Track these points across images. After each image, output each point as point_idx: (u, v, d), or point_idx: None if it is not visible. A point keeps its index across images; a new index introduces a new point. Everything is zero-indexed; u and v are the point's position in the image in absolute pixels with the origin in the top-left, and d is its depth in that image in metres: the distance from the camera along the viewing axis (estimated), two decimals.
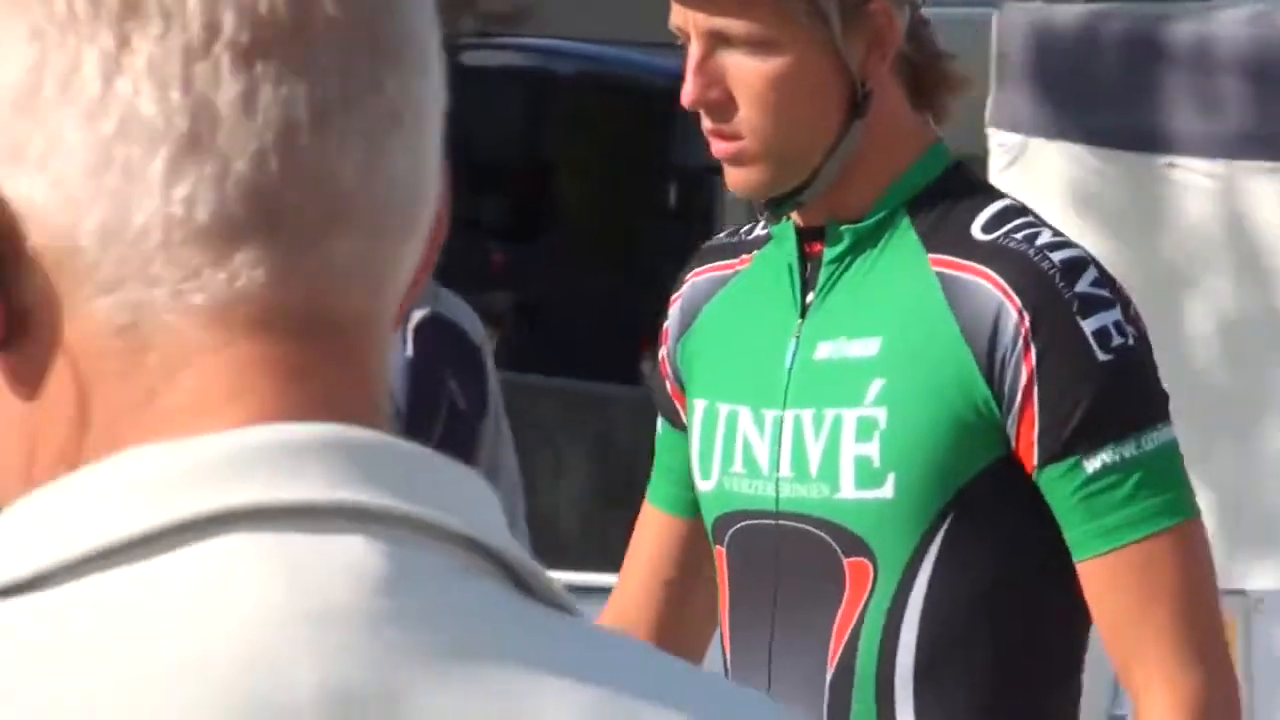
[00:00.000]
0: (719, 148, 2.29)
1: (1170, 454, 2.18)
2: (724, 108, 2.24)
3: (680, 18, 2.30)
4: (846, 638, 2.22)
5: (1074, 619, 2.25)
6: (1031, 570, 2.20)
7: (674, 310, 2.50)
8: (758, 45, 2.22)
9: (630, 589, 2.54)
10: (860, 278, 2.26)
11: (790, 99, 2.23)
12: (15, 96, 0.59)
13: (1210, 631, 2.19)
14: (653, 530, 2.48)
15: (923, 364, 2.21)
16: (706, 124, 2.29)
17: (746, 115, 2.23)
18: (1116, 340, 2.14)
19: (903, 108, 2.31)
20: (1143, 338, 2.21)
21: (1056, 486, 2.14)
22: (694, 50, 2.27)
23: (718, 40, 2.24)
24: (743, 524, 2.31)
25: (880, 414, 2.18)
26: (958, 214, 2.25)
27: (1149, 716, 2.17)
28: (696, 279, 2.45)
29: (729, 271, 2.41)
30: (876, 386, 2.20)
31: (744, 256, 2.38)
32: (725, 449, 2.31)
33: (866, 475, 2.19)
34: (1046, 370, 2.13)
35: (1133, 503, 2.14)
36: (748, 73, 2.23)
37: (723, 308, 2.39)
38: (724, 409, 2.33)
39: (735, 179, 2.29)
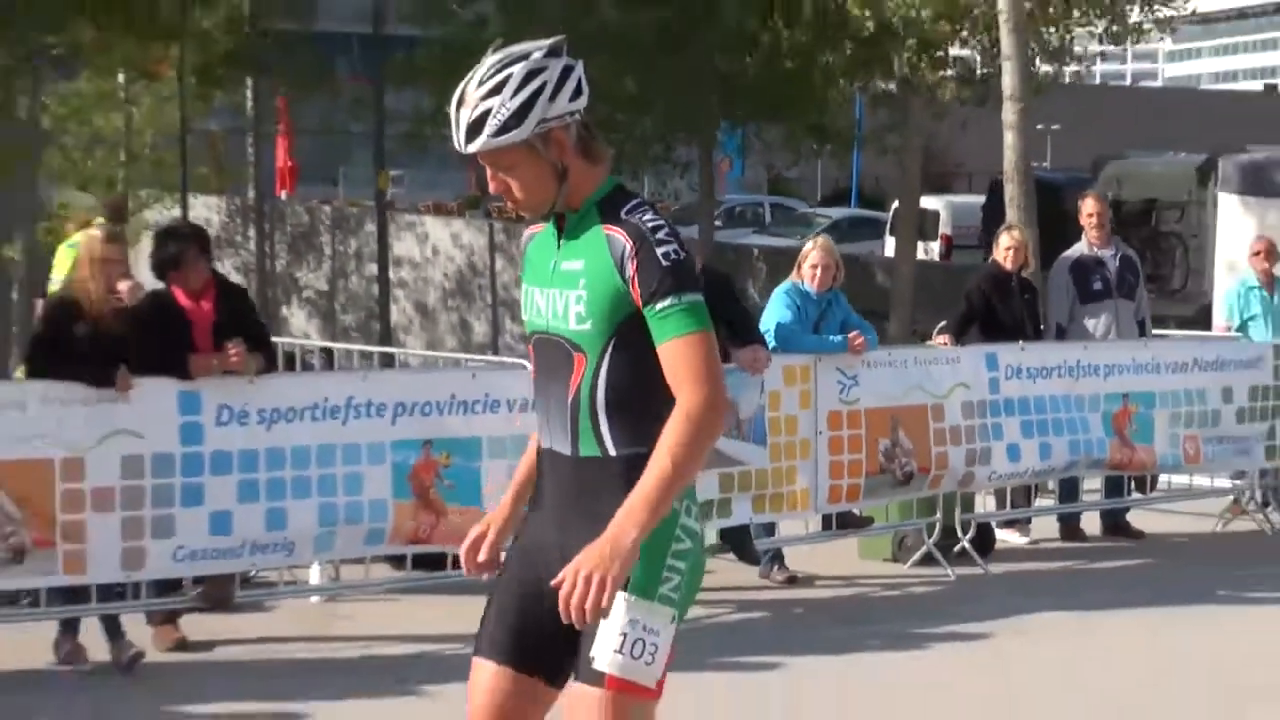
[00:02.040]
0: (511, 207, 4.10)
1: (698, 304, 3.83)
2: (509, 192, 3.95)
3: (481, 159, 4.00)
4: (576, 387, 3.95)
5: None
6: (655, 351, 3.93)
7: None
8: (510, 168, 3.90)
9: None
10: (577, 235, 3.95)
11: (529, 185, 3.91)
12: None
13: (712, 374, 3.79)
14: None
15: (597, 272, 3.89)
16: (506, 199, 4.01)
17: (517, 194, 3.93)
18: (673, 256, 3.82)
19: (584, 166, 3.93)
20: (689, 256, 3.89)
21: (648, 318, 3.83)
22: (489, 171, 4.00)
23: (496, 167, 3.92)
24: (537, 337, 4.10)
25: (584, 294, 3.91)
26: (616, 206, 3.93)
27: (675, 413, 3.77)
28: (527, 231, 4.23)
29: (538, 230, 4.13)
30: (582, 282, 3.92)
31: (543, 225, 4.08)
32: (529, 304, 4.12)
33: (580, 319, 3.93)
34: (640, 269, 3.81)
35: (675, 322, 3.79)
36: (510, 178, 3.91)
37: (534, 245, 4.13)
38: (529, 288, 4.13)
39: (525, 214, 4.07)
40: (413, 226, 35.89)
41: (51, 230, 23.89)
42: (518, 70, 3.84)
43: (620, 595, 3.80)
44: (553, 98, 3.85)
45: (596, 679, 3.85)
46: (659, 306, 3.79)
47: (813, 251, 10.45)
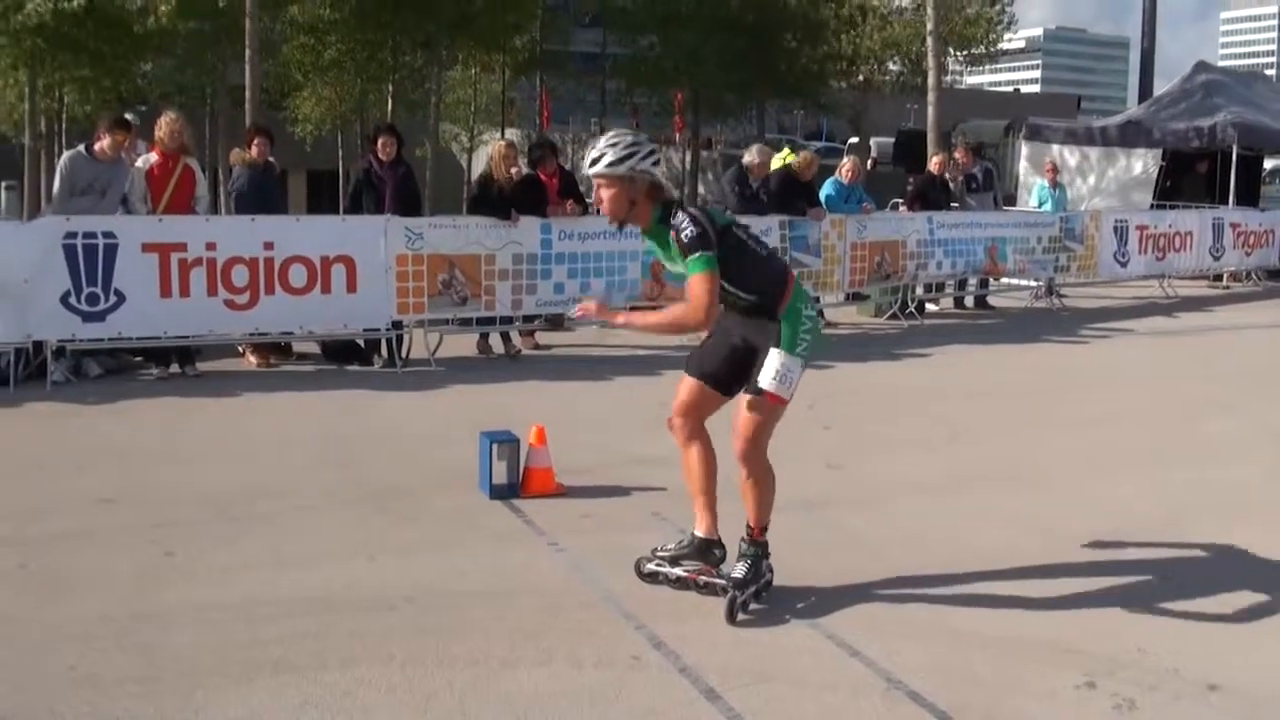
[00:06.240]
0: (602, 212, 4.10)
1: (708, 257, 3.97)
2: (602, 203, 4.10)
3: (595, 178, 4.02)
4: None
5: (769, 272, 4.19)
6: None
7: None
8: (607, 188, 4.07)
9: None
10: (660, 232, 4.09)
11: (613, 202, 4.07)
12: None
13: (703, 298, 3.96)
14: None
15: (670, 246, 4.04)
16: (598, 206, 4.14)
17: (605, 206, 4.09)
18: (690, 237, 3.94)
19: (647, 203, 4.07)
20: (702, 232, 3.99)
21: (687, 265, 3.93)
22: (596, 187, 4.11)
23: (600, 185, 4.07)
24: (671, 276, 4.19)
25: (672, 253, 4.03)
26: (667, 216, 4.04)
27: (680, 304, 4.06)
28: (643, 230, 4.18)
29: (649, 229, 4.14)
30: (669, 250, 4.05)
31: (651, 227, 4.09)
32: (661, 256, 4.18)
33: (679, 264, 4.03)
34: (681, 245, 3.98)
35: (692, 267, 3.95)
36: (605, 194, 4.07)
37: (652, 236, 4.17)
38: (660, 251, 4.18)
39: (608, 219, 4.16)
40: None
41: (444, 144, 33.43)
42: (629, 139, 4.17)
43: (774, 350, 4.12)
44: (641, 160, 4.11)
45: (760, 393, 4.18)
46: (687, 260, 4.09)
47: (845, 161, 12.24)
